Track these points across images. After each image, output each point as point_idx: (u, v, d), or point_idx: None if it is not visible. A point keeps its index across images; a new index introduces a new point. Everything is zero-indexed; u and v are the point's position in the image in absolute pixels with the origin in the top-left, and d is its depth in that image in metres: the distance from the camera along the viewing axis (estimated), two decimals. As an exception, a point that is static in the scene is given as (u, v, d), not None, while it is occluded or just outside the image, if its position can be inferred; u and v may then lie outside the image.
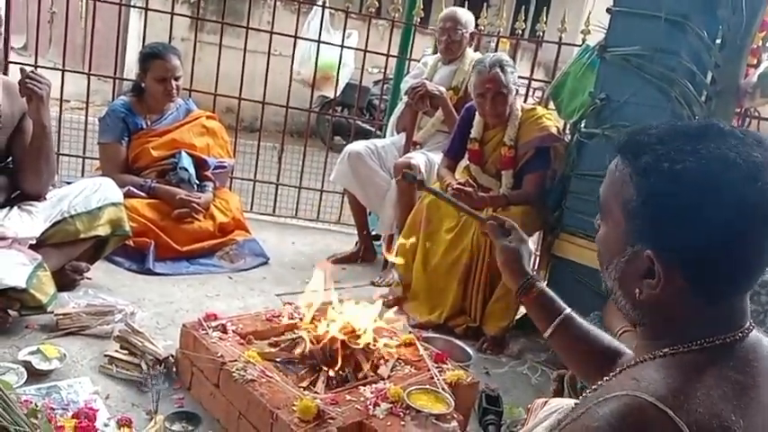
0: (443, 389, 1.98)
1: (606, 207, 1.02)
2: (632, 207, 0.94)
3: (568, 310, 1.40)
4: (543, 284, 1.46)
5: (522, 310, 3.07)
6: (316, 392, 1.94)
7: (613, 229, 1.00)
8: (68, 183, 3.09)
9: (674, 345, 0.95)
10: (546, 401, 1.62)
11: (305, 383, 2.01)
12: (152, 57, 3.28)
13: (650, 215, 0.93)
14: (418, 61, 3.99)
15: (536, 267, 3.29)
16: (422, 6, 4.02)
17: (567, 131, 3.20)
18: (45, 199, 2.63)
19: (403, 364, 2.21)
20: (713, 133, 0.92)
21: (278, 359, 2.12)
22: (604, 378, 1.00)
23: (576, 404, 1.00)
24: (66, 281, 2.68)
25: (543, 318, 1.41)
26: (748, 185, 0.87)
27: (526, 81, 4.02)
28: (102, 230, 2.74)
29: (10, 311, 2.33)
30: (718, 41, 2.64)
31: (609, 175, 1.02)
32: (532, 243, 3.18)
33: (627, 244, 0.97)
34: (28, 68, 2.53)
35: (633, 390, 0.88)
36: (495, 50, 4.91)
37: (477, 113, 3.13)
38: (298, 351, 2.14)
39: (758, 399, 0.91)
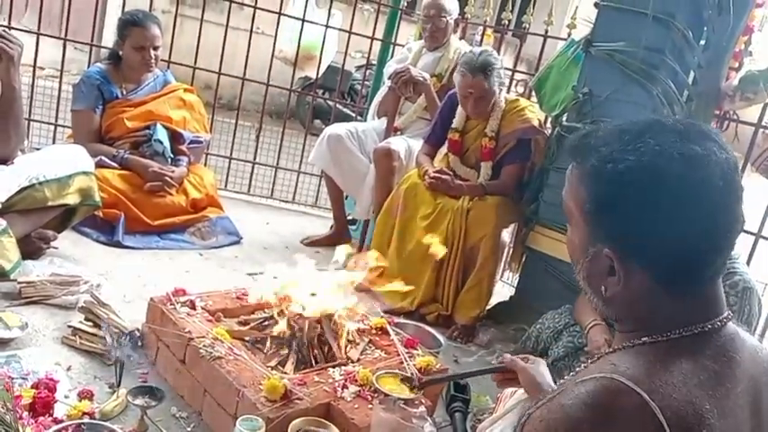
0: (413, 374, 1.97)
1: (568, 210, 1.05)
2: (586, 209, 0.98)
3: None
4: None
5: (494, 300, 3.09)
6: (284, 372, 1.92)
7: (576, 231, 1.03)
8: (38, 149, 3.01)
9: (652, 335, 0.95)
10: (515, 391, 1.62)
11: (273, 363, 1.98)
12: (131, 24, 3.19)
13: (601, 216, 0.96)
14: (402, 46, 3.95)
15: (509, 259, 3.30)
16: (409, -9, 3.98)
17: (548, 125, 3.21)
18: (12, 163, 2.55)
19: (373, 347, 2.20)
20: (654, 130, 0.95)
21: (247, 338, 2.09)
22: (583, 365, 1.00)
23: (552, 389, 1.00)
24: (31, 249, 2.61)
25: None
26: (687, 175, 0.90)
27: (509, 73, 4.00)
28: (72, 199, 2.67)
29: (-30, 277, 2.27)
30: (703, 42, 2.66)
31: (567, 180, 1.05)
32: (507, 233, 3.20)
33: (588, 245, 0.99)
34: (0, 28, 2.45)
35: (610, 372, 0.89)
36: (480, 43, 4.89)
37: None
38: (267, 329, 2.11)
39: (734, 389, 0.92)
